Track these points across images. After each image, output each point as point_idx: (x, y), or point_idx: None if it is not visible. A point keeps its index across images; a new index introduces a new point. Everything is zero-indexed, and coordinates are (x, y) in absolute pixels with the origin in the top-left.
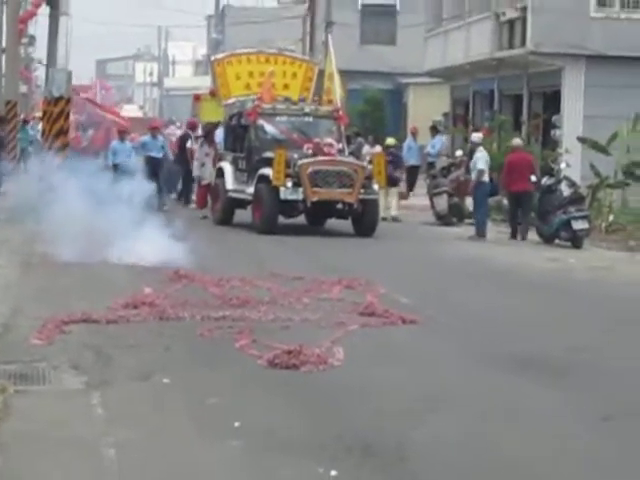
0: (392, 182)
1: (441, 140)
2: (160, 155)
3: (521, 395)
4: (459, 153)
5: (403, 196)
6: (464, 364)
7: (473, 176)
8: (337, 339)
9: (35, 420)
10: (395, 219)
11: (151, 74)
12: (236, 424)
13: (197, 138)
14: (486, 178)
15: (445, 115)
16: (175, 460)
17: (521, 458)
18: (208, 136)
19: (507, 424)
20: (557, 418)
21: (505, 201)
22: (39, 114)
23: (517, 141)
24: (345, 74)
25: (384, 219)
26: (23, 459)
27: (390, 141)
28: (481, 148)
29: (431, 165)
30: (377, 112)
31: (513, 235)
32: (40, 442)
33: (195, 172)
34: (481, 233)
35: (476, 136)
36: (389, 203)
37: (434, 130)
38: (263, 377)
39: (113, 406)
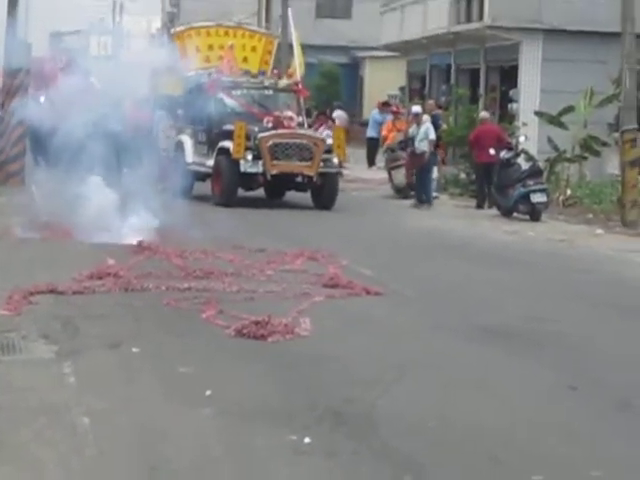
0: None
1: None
2: (119, 127)
3: (488, 364)
4: None
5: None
6: (430, 334)
7: (424, 147)
8: (303, 310)
9: (8, 389)
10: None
11: (105, 48)
12: (207, 392)
13: None
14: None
15: (402, 89)
16: (148, 428)
17: (491, 425)
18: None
19: (475, 392)
20: (525, 387)
21: (463, 174)
22: None
23: (484, 114)
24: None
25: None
26: None
27: (425, 118)
28: (427, 117)
29: None
30: (333, 86)
31: (480, 205)
32: (15, 411)
33: (162, 145)
34: (429, 200)
35: (416, 108)
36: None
37: (387, 105)
38: (231, 347)
39: (84, 375)
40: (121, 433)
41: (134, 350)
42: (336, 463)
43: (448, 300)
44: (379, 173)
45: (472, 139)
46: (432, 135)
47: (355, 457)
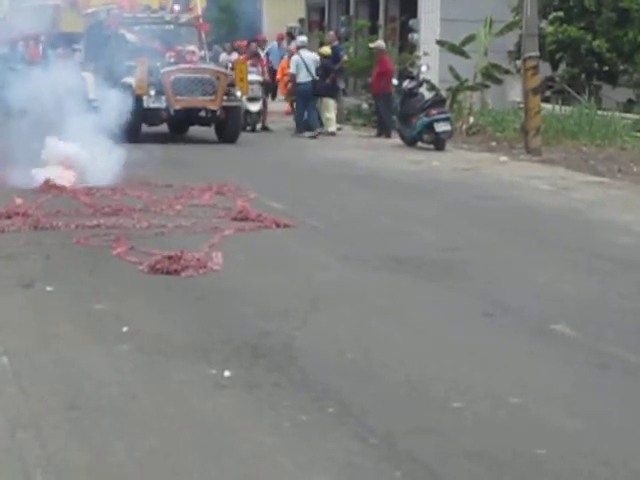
0: (330, 93)
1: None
2: (20, 66)
3: (401, 294)
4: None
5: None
6: (342, 265)
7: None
8: (214, 244)
9: None
10: (332, 134)
11: None
12: (124, 329)
13: None
14: (302, 79)
15: (301, 21)
16: (67, 366)
17: (408, 354)
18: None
19: (391, 322)
20: (440, 315)
21: (365, 105)
22: None
23: (380, 43)
24: None
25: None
26: None
27: (325, 50)
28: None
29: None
30: (232, 20)
31: (387, 134)
32: None
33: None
34: (300, 129)
35: (300, 40)
36: (325, 116)
37: (290, 36)
38: (145, 283)
39: (0, 315)
40: (40, 371)
41: (48, 289)
42: (258, 396)
43: (358, 231)
44: (282, 105)
45: (391, 70)
46: (291, 69)
47: (277, 389)
